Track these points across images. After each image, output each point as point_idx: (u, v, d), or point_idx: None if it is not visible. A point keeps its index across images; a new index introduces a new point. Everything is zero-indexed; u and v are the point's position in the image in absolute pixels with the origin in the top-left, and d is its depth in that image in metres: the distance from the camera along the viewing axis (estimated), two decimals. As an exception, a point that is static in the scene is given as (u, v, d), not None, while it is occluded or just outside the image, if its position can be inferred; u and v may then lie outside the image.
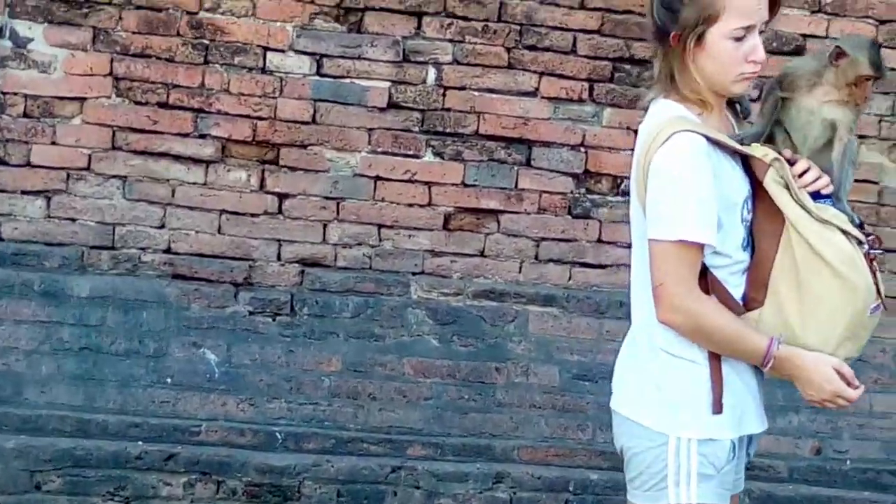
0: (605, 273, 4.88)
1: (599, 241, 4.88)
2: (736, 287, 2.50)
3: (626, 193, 4.71)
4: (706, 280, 2.46)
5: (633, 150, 4.54)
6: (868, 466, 4.79)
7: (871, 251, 2.51)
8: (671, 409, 2.47)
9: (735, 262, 2.50)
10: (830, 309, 2.45)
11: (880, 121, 4.96)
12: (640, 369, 2.55)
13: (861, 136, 4.27)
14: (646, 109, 2.52)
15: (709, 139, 2.44)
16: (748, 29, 2.44)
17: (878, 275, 2.51)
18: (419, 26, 4.76)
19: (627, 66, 4.85)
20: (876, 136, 4.94)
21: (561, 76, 4.82)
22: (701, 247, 2.42)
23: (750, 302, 2.49)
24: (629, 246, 4.63)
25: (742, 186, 2.50)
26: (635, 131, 4.55)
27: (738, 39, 2.43)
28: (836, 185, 2.55)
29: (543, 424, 4.71)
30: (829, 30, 4.86)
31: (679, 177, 2.41)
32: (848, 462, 4.78)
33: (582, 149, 4.85)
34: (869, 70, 2.53)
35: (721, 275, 2.49)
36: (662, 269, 2.42)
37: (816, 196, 2.50)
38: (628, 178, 4.60)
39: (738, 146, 2.49)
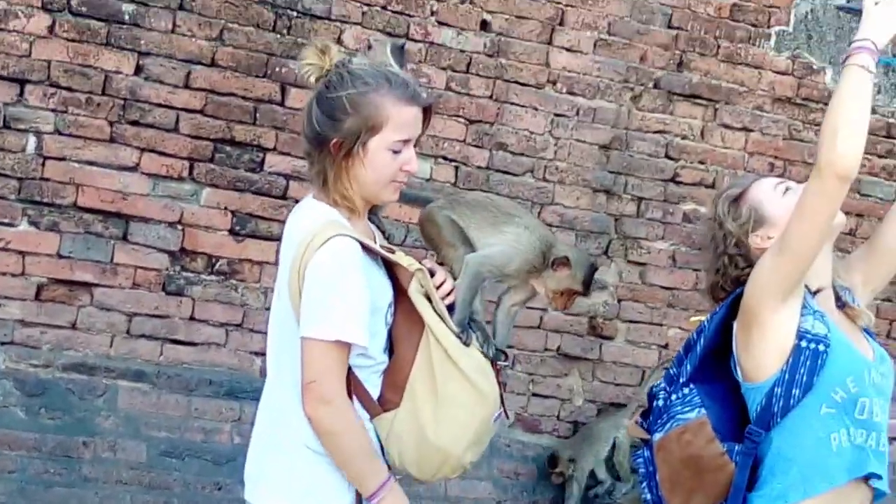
0: (196, 351, 6.16)
1: (192, 318, 6.15)
2: (374, 387, 3.10)
3: (221, 273, 6.14)
4: (348, 379, 3.03)
5: (230, 230, 6.19)
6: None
7: (499, 363, 3.24)
8: None
9: (377, 363, 3.10)
10: (463, 414, 3.10)
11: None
12: (284, 465, 3.09)
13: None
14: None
15: (360, 244, 3.03)
16: (405, 142, 3.07)
17: (502, 386, 3.22)
18: (21, 93, 5.90)
19: (228, 148, 6.17)
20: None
21: (162, 153, 6.08)
22: (350, 347, 3.00)
23: (386, 403, 3.09)
24: (222, 325, 6.25)
25: (387, 292, 3.11)
26: (233, 212, 6.23)
27: (396, 151, 3.06)
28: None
29: (129, 500, 5.85)
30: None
31: (336, 279, 2.96)
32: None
33: (179, 226, 6.11)
34: (580, 288, 3.47)
35: (362, 375, 3.07)
36: (315, 366, 2.97)
37: (451, 308, 3.19)
38: (224, 257, 6.26)
39: (385, 253, 3.11)
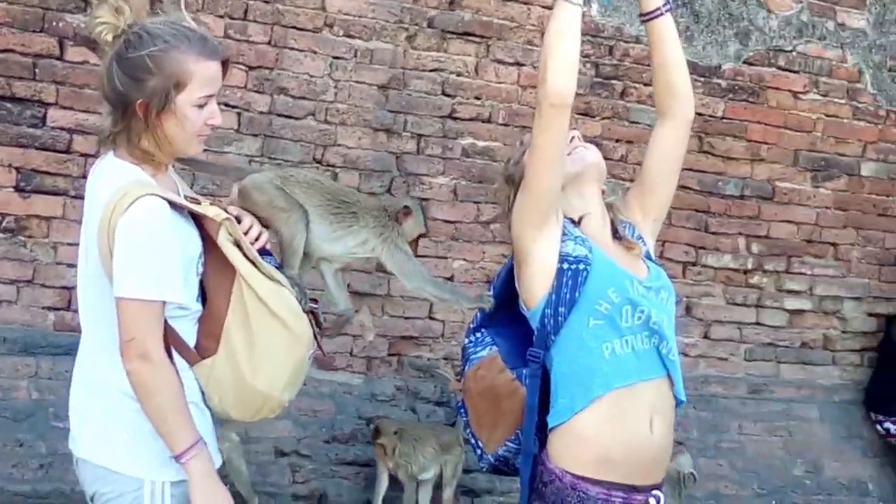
0: (-11, 308, 6.14)
1: (-16, 276, 6.13)
2: (190, 336, 3.20)
3: (9, 230, 6.15)
4: (165, 332, 3.10)
5: (15, 187, 6.19)
6: None
7: (311, 306, 3.37)
8: (143, 454, 3.12)
9: (191, 313, 3.19)
10: (279, 356, 3.23)
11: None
12: (107, 415, 3.16)
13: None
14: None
15: (168, 201, 3.10)
16: (209, 97, 3.14)
17: (315, 327, 3.36)
18: None
19: (9, 104, 6.16)
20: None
21: (-59, 112, 6.02)
22: (165, 304, 3.07)
23: (203, 350, 3.19)
24: (12, 282, 6.27)
25: (196, 243, 3.19)
26: (17, 168, 6.22)
27: (201, 106, 3.13)
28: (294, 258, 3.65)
29: (-71, 463, 5.83)
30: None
31: (147, 239, 3.03)
32: None
33: (-38, 184, 6.07)
34: (423, 229, 3.87)
35: (178, 325, 3.15)
36: (133, 325, 3.02)
37: (262, 253, 3.32)
38: (11, 214, 6.25)
39: (191, 206, 3.17)
